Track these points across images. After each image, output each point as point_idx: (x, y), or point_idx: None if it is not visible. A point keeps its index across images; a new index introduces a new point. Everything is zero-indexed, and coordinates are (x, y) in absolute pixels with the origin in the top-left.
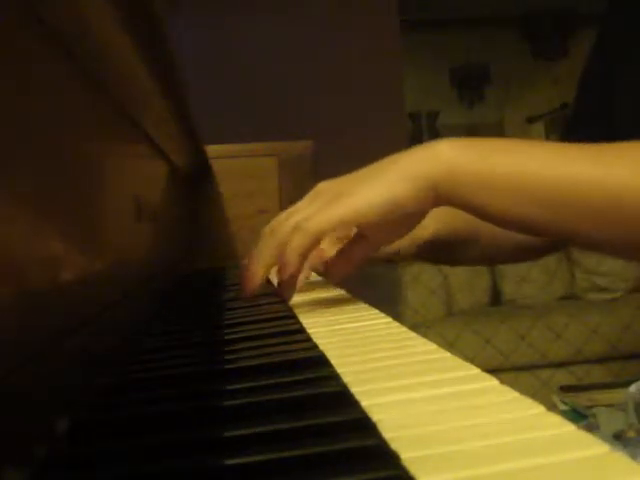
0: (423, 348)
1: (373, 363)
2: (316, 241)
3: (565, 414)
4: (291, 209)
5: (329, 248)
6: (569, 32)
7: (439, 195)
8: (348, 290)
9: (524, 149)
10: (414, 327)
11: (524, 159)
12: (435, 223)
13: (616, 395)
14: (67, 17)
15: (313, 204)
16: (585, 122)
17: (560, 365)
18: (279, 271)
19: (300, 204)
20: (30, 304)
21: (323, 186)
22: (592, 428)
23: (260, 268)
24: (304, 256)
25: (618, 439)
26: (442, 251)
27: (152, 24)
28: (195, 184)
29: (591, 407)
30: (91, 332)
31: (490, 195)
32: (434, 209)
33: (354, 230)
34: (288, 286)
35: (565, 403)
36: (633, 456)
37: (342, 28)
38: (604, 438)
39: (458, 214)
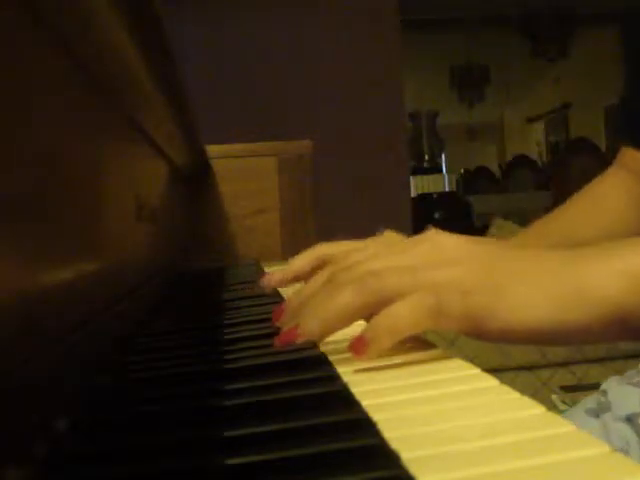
0: (423, 348)
1: (373, 363)
2: (433, 324)
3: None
4: (382, 246)
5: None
6: (569, 32)
7: (628, 325)
8: None
9: None
10: None
11: None
12: None
13: None
14: (67, 17)
15: (439, 268)
16: None
17: (560, 365)
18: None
19: (402, 247)
20: (30, 304)
21: (446, 244)
22: (602, 408)
23: (317, 330)
24: (411, 332)
25: (630, 422)
26: None
27: (152, 24)
28: (195, 184)
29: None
30: (91, 332)
31: None
32: None
33: None
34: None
35: (565, 403)
36: None
37: (342, 28)
38: (614, 421)
39: None
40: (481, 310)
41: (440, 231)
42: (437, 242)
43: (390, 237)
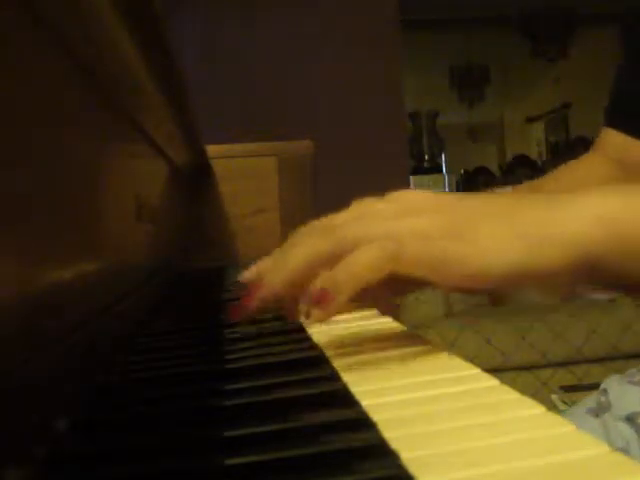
0: (423, 348)
1: (373, 363)
2: (394, 269)
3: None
4: (351, 211)
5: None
6: (569, 32)
7: (596, 270)
8: None
9: None
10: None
11: None
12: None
13: None
14: (67, 17)
15: (402, 218)
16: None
17: (560, 365)
18: (314, 295)
19: (368, 206)
20: (30, 304)
21: (413, 198)
22: (603, 408)
23: (279, 279)
24: (371, 279)
25: (631, 422)
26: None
27: (152, 24)
28: (195, 184)
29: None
30: (91, 332)
31: None
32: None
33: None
34: (319, 316)
35: (565, 403)
36: None
37: (342, 28)
38: (615, 421)
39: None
40: (445, 254)
41: (410, 189)
42: (403, 196)
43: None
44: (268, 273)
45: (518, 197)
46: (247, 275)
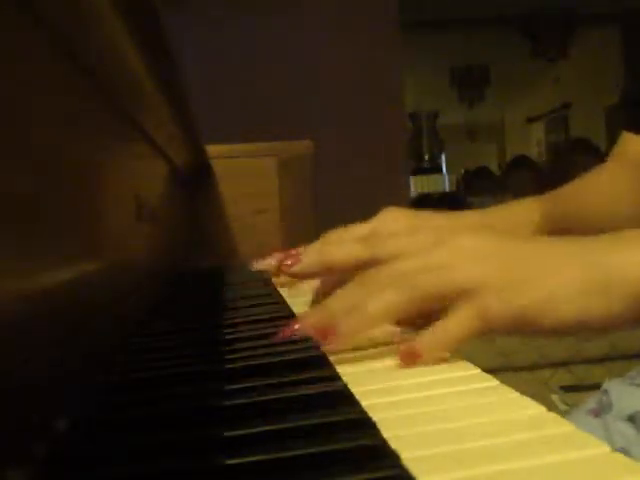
0: None
1: (373, 363)
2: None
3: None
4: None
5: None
6: (569, 32)
7: None
8: None
9: None
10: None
11: None
12: None
13: None
14: (67, 17)
15: (490, 268)
16: None
17: (560, 365)
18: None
19: (413, 244)
20: (30, 304)
21: (470, 246)
22: (604, 408)
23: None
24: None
25: (633, 422)
26: None
27: (152, 25)
28: (195, 184)
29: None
30: (91, 332)
31: None
32: None
33: None
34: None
35: (565, 403)
36: None
37: (342, 28)
38: (616, 421)
39: None
40: (526, 309)
41: (454, 231)
42: (455, 245)
43: (393, 215)
44: (342, 315)
45: (563, 241)
46: (262, 265)
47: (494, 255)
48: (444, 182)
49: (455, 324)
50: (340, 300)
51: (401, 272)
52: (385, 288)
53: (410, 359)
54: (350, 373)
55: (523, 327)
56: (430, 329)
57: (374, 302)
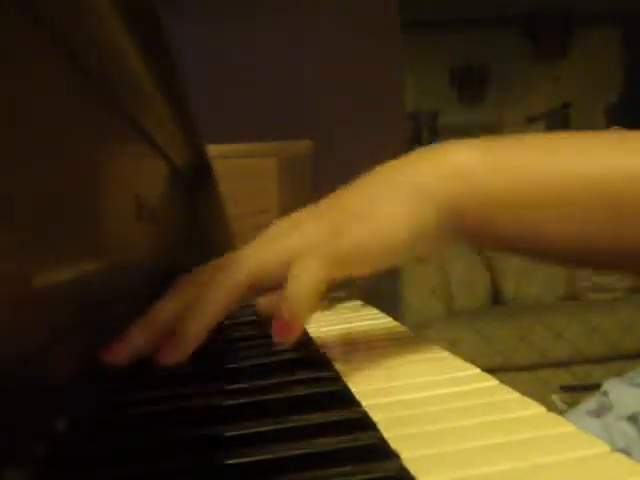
0: (423, 348)
1: (373, 363)
2: (332, 273)
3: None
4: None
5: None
6: (569, 32)
7: (466, 228)
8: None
9: (551, 146)
10: (414, 327)
11: (562, 158)
12: None
13: None
14: (67, 17)
15: (317, 228)
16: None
17: (560, 365)
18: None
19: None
20: (30, 303)
21: (325, 204)
22: (604, 409)
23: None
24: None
25: (633, 422)
26: None
27: (152, 24)
28: (195, 184)
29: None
30: (91, 332)
31: (542, 217)
32: None
33: None
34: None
35: (565, 403)
36: None
37: (342, 28)
38: (617, 421)
39: None
40: (357, 240)
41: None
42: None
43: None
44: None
45: (391, 165)
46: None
47: (323, 215)
48: None
49: (301, 279)
50: (174, 303)
51: (231, 260)
52: (220, 276)
53: (285, 331)
54: (350, 373)
55: (355, 265)
56: (282, 294)
57: (213, 291)
